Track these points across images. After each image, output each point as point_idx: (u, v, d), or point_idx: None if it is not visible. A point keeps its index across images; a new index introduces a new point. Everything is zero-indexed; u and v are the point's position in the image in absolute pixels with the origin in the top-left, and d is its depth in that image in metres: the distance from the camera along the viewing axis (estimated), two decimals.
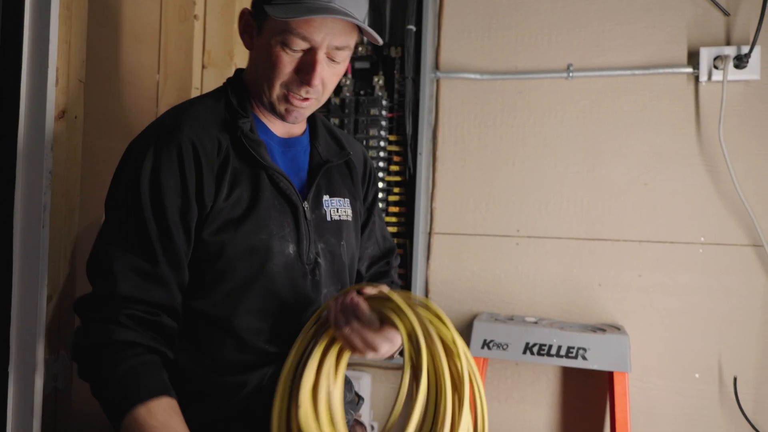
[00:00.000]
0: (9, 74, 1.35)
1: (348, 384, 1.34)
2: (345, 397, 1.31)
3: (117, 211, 1.10)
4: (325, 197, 1.24)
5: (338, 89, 2.23)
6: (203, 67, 2.24)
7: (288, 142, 1.24)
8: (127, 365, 1.01)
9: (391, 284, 1.43)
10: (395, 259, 1.49)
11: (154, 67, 2.14)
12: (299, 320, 1.15)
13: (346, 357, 1.10)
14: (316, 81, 1.11)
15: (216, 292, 1.11)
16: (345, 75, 2.22)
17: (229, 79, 1.25)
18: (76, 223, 1.49)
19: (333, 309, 1.06)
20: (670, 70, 2.06)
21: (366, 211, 1.41)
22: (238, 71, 1.25)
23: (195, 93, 2.15)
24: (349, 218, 1.29)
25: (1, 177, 1.33)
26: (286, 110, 1.16)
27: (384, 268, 1.47)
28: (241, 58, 2.24)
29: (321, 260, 1.20)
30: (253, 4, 1.16)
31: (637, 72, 2.09)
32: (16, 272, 1.33)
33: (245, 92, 1.21)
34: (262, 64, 1.14)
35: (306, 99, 1.15)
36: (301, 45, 1.09)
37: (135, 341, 1.03)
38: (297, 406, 1.00)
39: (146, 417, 0.98)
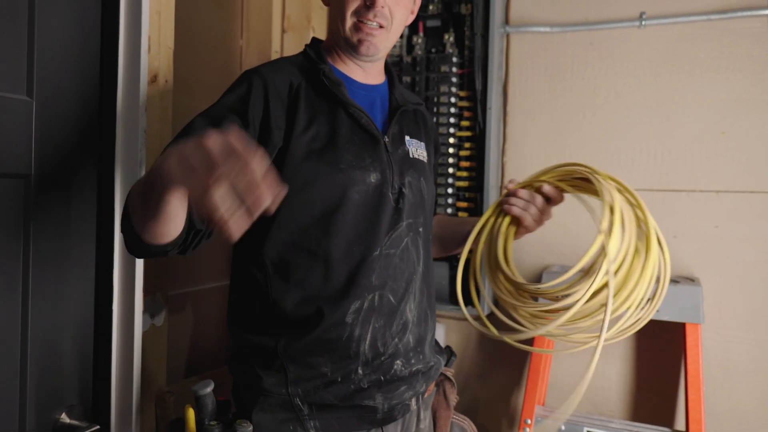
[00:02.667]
0: (108, 44, 1.50)
1: (434, 337, 1.44)
2: (434, 348, 1.41)
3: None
4: (407, 137, 1.36)
5: (410, 47, 2.29)
6: (283, 31, 2.35)
7: (367, 87, 1.35)
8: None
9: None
10: None
11: (237, 32, 2.28)
12: (381, 245, 1.25)
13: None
14: (380, 0, 1.23)
15: (305, 220, 1.22)
16: (416, 33, 2.28)
17: (307, 45, 1.37)
18: None
19: (508, 200, 1.35)
20: (748, 13, 1.97)
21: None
22: (314, 39, 1.38)
23: (275, 56, 2.27)
24: (425, 160, 1.39)
25: (104, 135, 1.49)
26: (359, 41, 1.27)
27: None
28: (317, 21, 2.33)
29: (406, 191, 1.30)
30: None
31: (713, 17, 2.01)
32: (117, 223, 1.49)
33: (325, 49, 1.34)
34: (335, 4, 1.29)
35: (379, 27, 1.26)
36: None
37: None
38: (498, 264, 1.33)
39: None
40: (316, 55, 1.32)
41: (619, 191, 1.25)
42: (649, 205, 2.10)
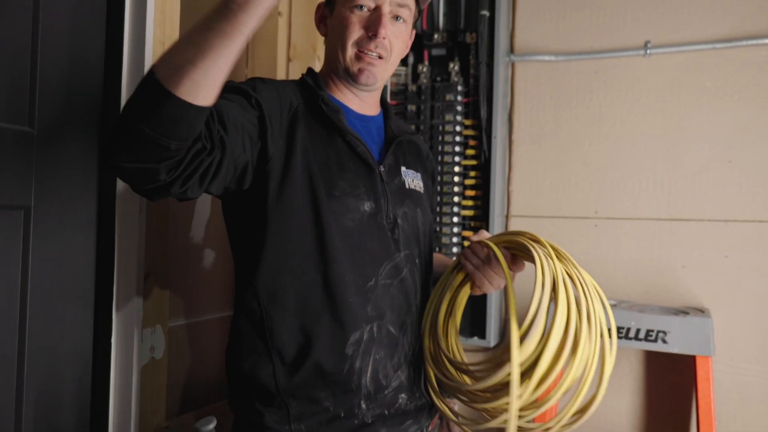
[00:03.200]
0: (111, 75, 1.49)
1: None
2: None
3: None
4: (403, 168, 1.34)
5: (415, 76, 2.28)
6: (288, 60, 2.35)
7: (364, 118, 1.34)
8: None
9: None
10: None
11: (242, 61, 2.28)
12: (376, 275, 1.23)
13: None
14: (383, 31, 1.24)
15: (298, 246, 1.19)
16: (422, 62, 2.28)
17: (303, 74, 1.37)
18: (169, 206, 1.62)
19: (465, 253, 1.27)
20: (754, 42, 1.97)
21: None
22: (311, 69, 1.37)
23: None
24: (422, 190, 1.38)
25: (104, 170, 1.48)
26: (359, 70, 1.27)
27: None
28: (323, 50, 2.34)
29: (401, 222, 1.28)
30: None
31: (718, 45, 2.01)
32: (118, 253, 1.47)
33: (321, 78, 1.34)
34: (335, 34, 1.29)
35: (378, 58, 1.27)
36: (367, 3, 1.25)
37: None
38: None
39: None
40: (314, 82, 1.32)
41: (558, 257, 1.15)
42: (657, 234, 2.10)
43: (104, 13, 1.49)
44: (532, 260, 1.15)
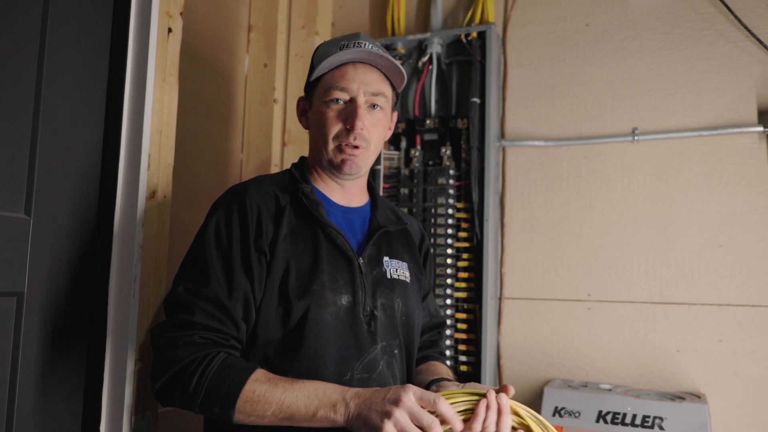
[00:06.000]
0: (109, 162, 1.53)
1: None
2: None
3: (192, 256, 1.23)
4: (386, 258, 1.34)
5: (408, 160, 2.33)
6: (284, 144, 2.41)
7: (346, 209, 1.36)
8: (216, 365, 1.11)
9: (440, 354, 1.55)
10: (444, 332, 1.58)
11: (238, 147, 2.33)
12: (352, 369, 1.21)
13: None
14: (359, 123, 1.26)
15: (277, 340, 1.20)
16: (414, 146, 2.33)
17: (293, 163, 1.40)
18: (163, 292, 1.62)
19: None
20: (739, 130, 2.03)
21: (424, 284, 1.49)
22: (302, 158, 1.40)
23: (275, 169, 2.32)
24: (407, 279, 1.37)
25: (99, 251, 1.49)
26: (342, 161, 1.29)
27: (435, 337, 1.56)
28: None
29: (378, 314, 1.26)
30: (304, 88, 1.38)
31: (704, 133, 2.07)
32: (110, 338, 1.47)
33: (307, 168, 1.36)
34: (316, 127, 1.32)
35: (356, 147, 1.28)
36: (342, 96, 1.28)
37: (213, 351, 1.13)
38: None
39: (255, 387, 1.08)
40: (299, 175, 1.34)
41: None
42: (650, 318, 2.10)
43: (104, 101, 1.53)
44: None
